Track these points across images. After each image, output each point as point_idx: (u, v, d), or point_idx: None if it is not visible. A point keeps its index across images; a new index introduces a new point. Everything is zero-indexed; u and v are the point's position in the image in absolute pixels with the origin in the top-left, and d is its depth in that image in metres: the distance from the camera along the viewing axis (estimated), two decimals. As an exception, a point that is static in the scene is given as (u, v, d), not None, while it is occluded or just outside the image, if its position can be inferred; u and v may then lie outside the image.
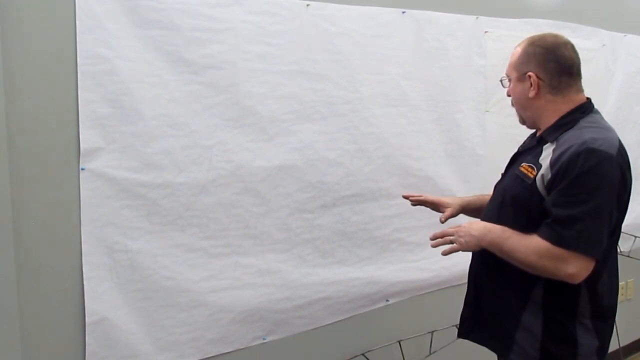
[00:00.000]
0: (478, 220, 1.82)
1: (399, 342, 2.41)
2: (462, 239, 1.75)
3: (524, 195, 1.67)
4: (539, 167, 1.65)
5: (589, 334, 1.67)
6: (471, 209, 2.05)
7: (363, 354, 2.42)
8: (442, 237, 1.80)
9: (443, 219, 2.00)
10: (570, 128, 1.67)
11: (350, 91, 2.27)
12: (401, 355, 2.43)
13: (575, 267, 1.57)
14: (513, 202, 1.71)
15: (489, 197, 1.92)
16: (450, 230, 1.78)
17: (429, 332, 2.57)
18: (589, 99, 1.76)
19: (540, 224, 1.62)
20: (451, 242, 1.78)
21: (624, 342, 3.57)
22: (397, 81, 2.40)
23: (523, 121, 1.82)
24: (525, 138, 1.91)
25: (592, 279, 1.63)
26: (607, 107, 3.33)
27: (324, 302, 2.27)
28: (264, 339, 2.14)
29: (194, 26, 1.89)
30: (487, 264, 1.79)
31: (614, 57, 3.34)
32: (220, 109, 1.97)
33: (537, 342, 1.68)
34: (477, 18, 2.69)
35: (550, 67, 1.70)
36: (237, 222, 2.03)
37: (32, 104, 1.66)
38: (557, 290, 1.66)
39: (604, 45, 3.27)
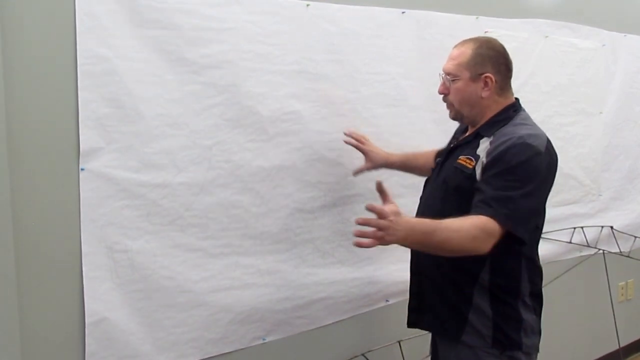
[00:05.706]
0: (409, 218, 1.66)
1: (399, 342, 2.41)
2: (391, 237, 1.58)
3: (465, 184, 1.79)
4: (477, 158, 1.79)
5: (529, 310, 1.86)
6: (399, 167, 2.20)
7: (363, 354, 2.42)
8: (371, 225, 1.57)
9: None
10: (505, 124, 1.82)
11: (350, 91, 2.27)
12: (401, 355, 2.43)
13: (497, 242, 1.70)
14: (456, 192, 1.82)
15: (422, 156, 2.16)
16: (384, 223, 1.56)
17: (429, 332, 2.56)
18: (517, 99, 1.92)
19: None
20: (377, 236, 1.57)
21: (624, 342, 3.57)
22: (397, 81, 2.40)
23: (460, 117, 1.91)
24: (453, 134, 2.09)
25: (531, 261, 1.86)
26: (607, 107, 3.34)
27: (324, 302, 2.27)
28: (263, 339, 2.14)
29: (194, 26, 1.89)
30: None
31: (614, 57, 3.34)
32: (220, 109, 1.97)
33: (489, 321, 1.83)
34: (477, 18, 2.69)
35: (502, 70, 1.85)
36: (237, 222, 2.03)
37: (32, 104, 1.65)
38: (501, 273, 1.82)
39: (604, 45, 3.27)
